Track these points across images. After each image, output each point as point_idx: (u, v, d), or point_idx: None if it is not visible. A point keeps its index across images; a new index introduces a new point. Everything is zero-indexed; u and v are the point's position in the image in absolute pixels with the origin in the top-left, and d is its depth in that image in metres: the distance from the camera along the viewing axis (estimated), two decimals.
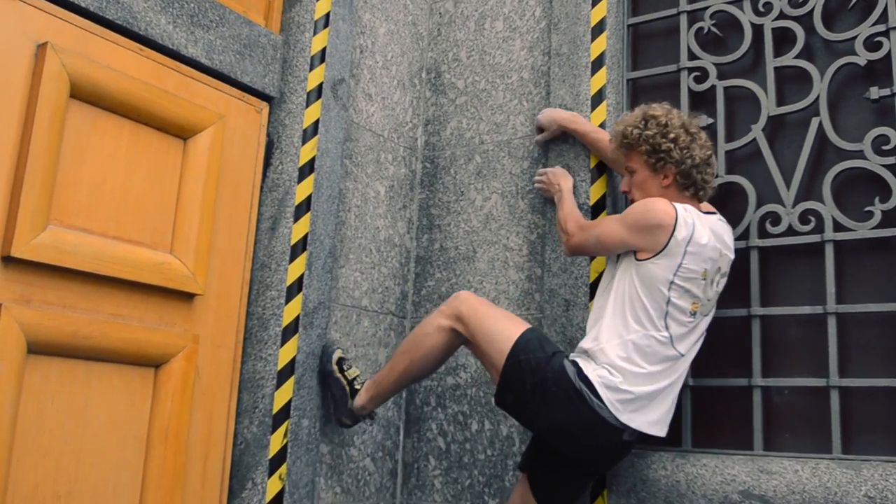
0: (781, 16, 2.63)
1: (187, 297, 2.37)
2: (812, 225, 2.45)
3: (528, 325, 2.35)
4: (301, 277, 2.60)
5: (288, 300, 2.56)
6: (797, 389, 2.44)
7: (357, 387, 2.58)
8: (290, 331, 2.55)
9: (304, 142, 2.66)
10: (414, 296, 3.10)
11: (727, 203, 2.56)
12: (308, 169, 2.65)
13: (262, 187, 2.65)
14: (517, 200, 2.94)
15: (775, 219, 2.51)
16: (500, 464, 2.76)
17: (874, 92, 2.43)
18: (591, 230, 2.39)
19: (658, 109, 2.35)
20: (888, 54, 2.43)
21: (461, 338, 2.38)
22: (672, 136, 2.28)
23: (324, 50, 2.74)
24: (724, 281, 2.33)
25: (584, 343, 2.31)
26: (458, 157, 3.13)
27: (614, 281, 2.32)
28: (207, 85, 2.49)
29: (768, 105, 2.59)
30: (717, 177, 2.44)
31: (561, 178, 2.70)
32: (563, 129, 2.80)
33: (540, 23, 3.03)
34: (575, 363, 2.24)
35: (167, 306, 2.32)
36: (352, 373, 2.62)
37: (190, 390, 2.34)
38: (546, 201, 2.82)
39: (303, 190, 2.64)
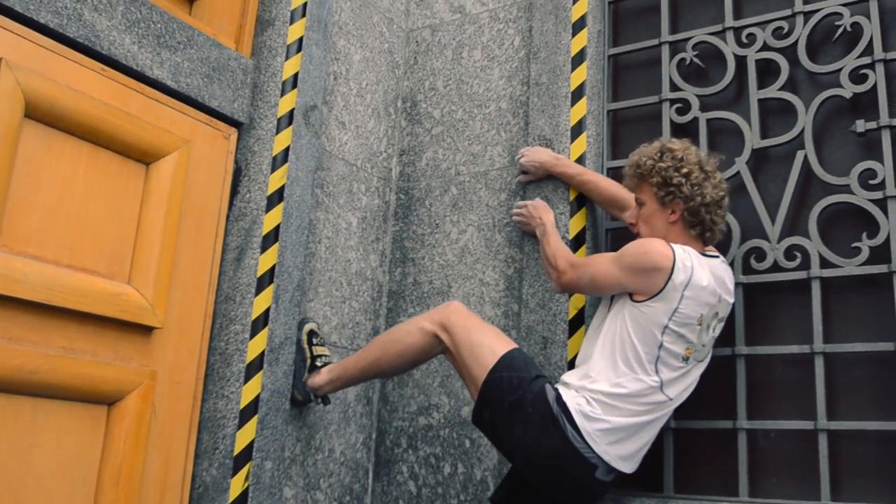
0: (765, 47, 2.58)
1: (145, 330, 2.24)
2: (798, 261, 2.38)
3: (516, 345, 2.29)
4: (267, 311, 2.47)
5: (253, 335, 2.44)
6: (783, 432, 2.34)
7: (318, 364, 2.53)
8: (254, 367, 2.42)
9: (273, 169, 2.55)
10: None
11: None
12: (277, 198, 2.54)
13: (228, 216, 2.53)
14: (494, 234, 2.85)
15: (760, 254, 2.43)
16: None
17: (860, 125, 2.37)
18: (585, 269, 2.30)
19: (677, 144, 2.27)
20: (874, 87, 2.38)
21: (440, 346, 2.32)
22: (685, 171, 2.20)
23: (296, 75, 2.65)
24: (720, 326, 2.24)
25: (570, 378, 2.22)
26: (434, 189, 3.03)
27: (606, 321, 2.23)
28: (173, 108, 2.38)
29: (752, 138, 2.53)
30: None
31: (542, 212, 2.61)
32: (547, 173, 2.71)
33: (519, 52, 2.97)
34: (556, 389, 2.17)
35: (123, 340, 2.18)
36: (319, 349, 2.57)
37: (145, 430, 2.19)
38: (524, 235, 2.73)
39: (271, 219, 2.52)
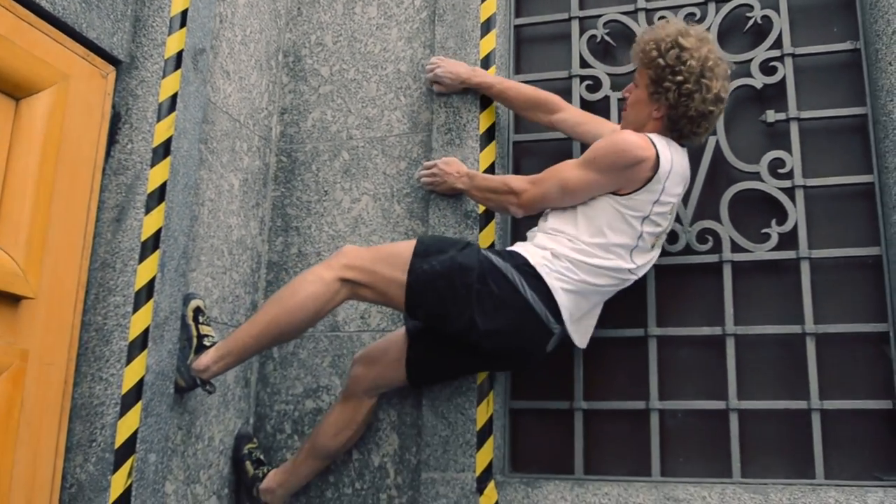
0: None
1: (13, 300, 1.84)
2: (710, 244, 2.41)
3: (418, 237, 2.23)
4: (152, 281, 2.13)
5: (136, 308, 2.09)
6: (692, 412, 2.37)
7: (206, 344, 2.24)
8: (136, 346, 2.08)
9: (159, 118, 2.20)
10: None
11: None
12: (163, 151, 2.20)
13: (104, 169, 2.15)
14: (392, 204, 2.66)
15: (672, 236, 2.44)
16: (372, 498, 2.44)
17: (770, 115, 2.44)
18: (548, 181, 2.20)
19: (690, 40, 2.12)
20: (783, 79, 2.45)
21: (344, 290, 2.15)
22: (679, 78, 2.11)
23: (185, 12, 2.30)
24: (675, 212, 2.27)
25: (544, 240, 2.18)
26: (322, 153, 2.78)
27: (579, 210, 2.17)
28: (48, 35, 1.97)
29: None
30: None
31: (457, 165, 2.47)
32: (463, 85, 2.57)
33: (420, 13, 2.78)
34: (508, 252, 2.16)
35: None
36: (205, 329, 2.27)
37: (15, 422, 1.81)
38: (427, 206, 2.57)
39: (157, 175, 2.18)
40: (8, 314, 1.83)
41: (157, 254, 2.15)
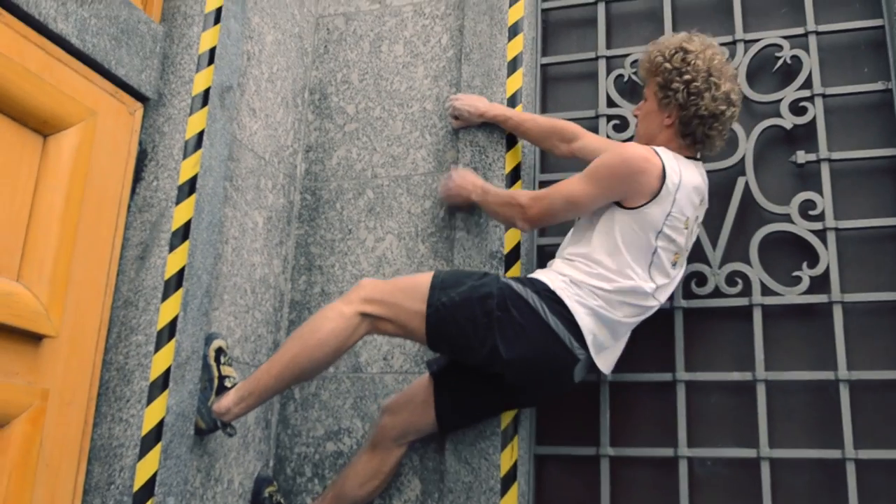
0: None
1: (35, 339, 1.82)
2: (739, 287, 2.36)
3: (435, 270, 2.22)
4: (174, 320, 2.11)
5: (158, 348, 2.07)
6: (721, 460, 2.30)
7: (227, 385, 2.19)
8: (157, 386, 2.05)
9: (185, 155, 2.19)
10: None
11: None
12: (188, 188, 2.19)
13: (129, 206, 2.14)
14: (416, 243, 2.63)
15: (701, 279, 2.40)
16: None
17: (801, 156, 2.40)
18: (554, 195, 2.19)
19: (695, 44, 2.16)
20: (813, 120, 2.42)
21: (364, 325, 2.12)
22: (687, 77, 2.12)
23: (213, 50, 2.30)
24: (697, 232, 2.25)
25: (563, 268, 2.15)
26: (346, 191, 2.76)
27: (598, 221, 2.15)
28: (76, 72, 1.97)
29: None
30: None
31: (472, 177, 2.46)
32: (482, 118, 2.57)
33: (447, 51, 2.78)
34: (530, 280, 2.13)
35: (9, 350, 1.75)
36: (227, 370, 2.23)
37: (34, 462, 1.77)
38: (452, 247, 2.54)
39: (181, 213, 2.16)
40: (29, 353, 1.80)
41: (180, 292, 2.12)
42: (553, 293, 2.07)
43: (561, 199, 2.17)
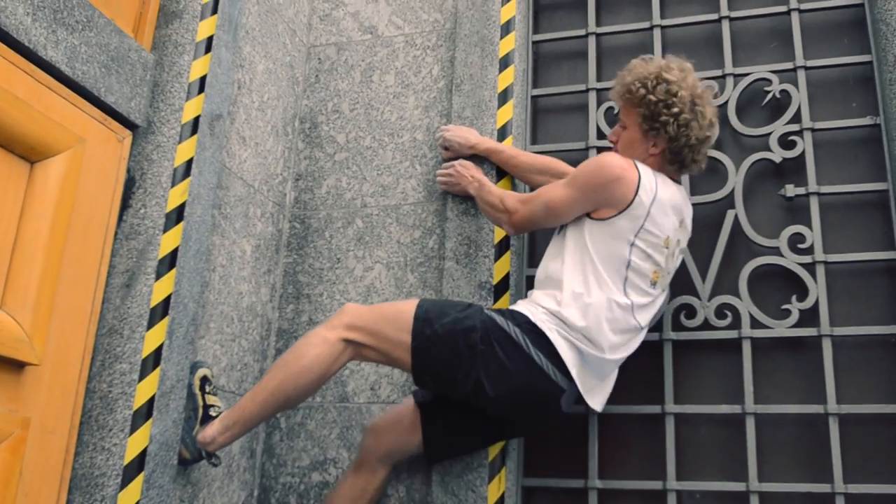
0: None
1: (17, 367, 1.80)
2: (728, 320, 2.36)
3: (419, 298, 2.19)
4: (160, 348, 2.09)
5: (142, 377, 2.05)
6: (710, 493, 2.28)
7: (212, 414, 2.17)
8: (141, 415, 2.03)
9: (173, 183, 2.19)
10: None
11: None
12: (176, 216, 2.18)
13: (116, 233, 2.13)
14: (405, 273, 2.63)
15: (690, 311, 2.39)
16: None
17: (790, 189, 2.41)
18: (536, 200, 2.20)
19: (674, 73, 2.16)
20: (802, 154, 2.43)
21: (348, 351, 2.10)
22: (675, 110, 2.12)
23: (203, 78, 2.31)
24: (681, 257, 2.23)
25: (539, 298, 2.13)
26: (336, 220, 2.76)
27: (567, 241, 2.14)
28: (66, 99, 1.97)
29: None
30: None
31: (473, 170, 2.49)
32: (472, 150, 2.58)
33: (438, 82, 2.79)
34: (510, 312, 2.10)
35: None
36: (211, 399, 2.20)
37: (13, 492, 1.75)
38: (441, 277, 2.54)
39: (168, 241, 2.15)
40: (11, 381, 1.78)
41: (165, 320, 2.11)
42: (534, 325, 2.06)
43: (542, 206, 2.18)
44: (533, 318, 2.06)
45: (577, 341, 2.04)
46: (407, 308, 2.13)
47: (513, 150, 2.55)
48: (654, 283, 2.12)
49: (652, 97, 2.14)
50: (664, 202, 2.09)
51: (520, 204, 2.25)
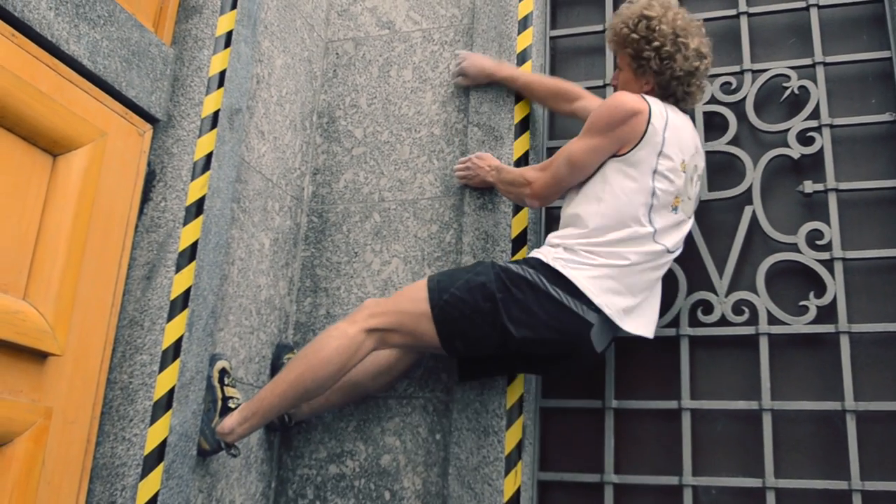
0: (713, 100, 2.57)
1: (40, 357, 1.82)
2: (746, 316, 2.35)
3: (427, 277, 2.22)
4: (179, 340, 2.11)
5: (162, 368, 2.07)
6: (726, 489, 2.28)
7: (231, 406, 2.20)
8: (161, 406, 2.05)
9: (193, 177, 2.21)
10: None
11: None
12: (196, 209, 2.20)
13: (136, 226, 2.16)
14: (423, 267, 2.64)
15: (707, 307, 2.39)
16: None
17: (808, 186, 2.40)
18: (556, 161, 2.23)
19: (655, 9, 2.21)
20: (821, 150, 2.42)
21: (369, 343, 2.14)
22: (656, 44, 2.18)
23: (223, 73, 2.33)
24: (699, 185, 2.26)
25: (551, 238, 2.19)
26: (353, 214, 2.78)
27: (581, 189, 2.18)
28: (88, 93, 1.99)
29: None
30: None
31: (489, 159, 2.51)
32: (488, 78, 2.64)
33: (456, 77, 2.79)
34: (521, 260, 2.15)
35: (13, 369, 1.76)
36: (230, 391, 2.23)
37: (35, 481, 1.77)
38: (458, 266, 2.53)
39: (188, 234, 2.17)
40: (34, 371, 1.81)
41: (185, 313, 2.13)
42: (547, 265, 2.09)
43: (564, 162, 2.19)
44: (545, 259, 2.10)
45: (596, 267, 2.06)
46: (419, 285, 2.18)
47: (529, 75, 2.61)
48: (675, 209, 2.14)
49: (635, 35, 2.20)
50: (677, 126, 2.14)
51: (539, 171, 2.27)
